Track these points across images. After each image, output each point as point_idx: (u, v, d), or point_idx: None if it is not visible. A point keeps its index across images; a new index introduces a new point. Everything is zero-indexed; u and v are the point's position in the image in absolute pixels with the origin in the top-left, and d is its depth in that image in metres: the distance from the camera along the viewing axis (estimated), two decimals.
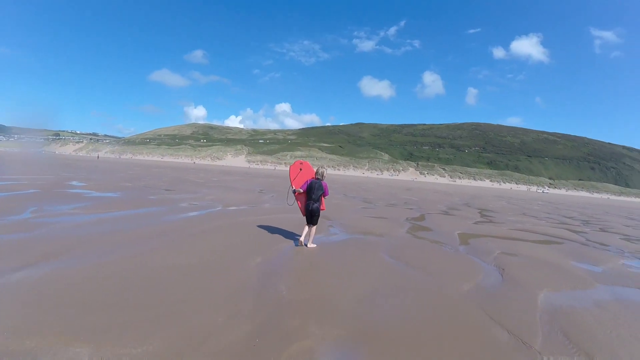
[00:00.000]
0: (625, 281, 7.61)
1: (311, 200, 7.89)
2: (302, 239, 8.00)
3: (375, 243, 9.15)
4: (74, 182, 19.53)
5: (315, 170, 8.29)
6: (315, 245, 8.12)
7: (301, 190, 8.15)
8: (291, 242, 8.39)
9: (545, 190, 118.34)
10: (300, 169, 8.61)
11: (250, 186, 26.94)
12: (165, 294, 4.69)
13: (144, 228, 8.71)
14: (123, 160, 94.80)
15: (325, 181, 8.08)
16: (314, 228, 8.10)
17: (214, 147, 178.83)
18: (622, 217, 29.15)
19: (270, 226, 10.27)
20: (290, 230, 9.87)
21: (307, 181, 8.12)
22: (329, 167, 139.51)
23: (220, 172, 52.49)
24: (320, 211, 8.09)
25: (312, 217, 7.94)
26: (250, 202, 15.87)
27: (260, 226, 10.16)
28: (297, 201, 8.57)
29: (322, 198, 8.07)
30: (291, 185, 8.54)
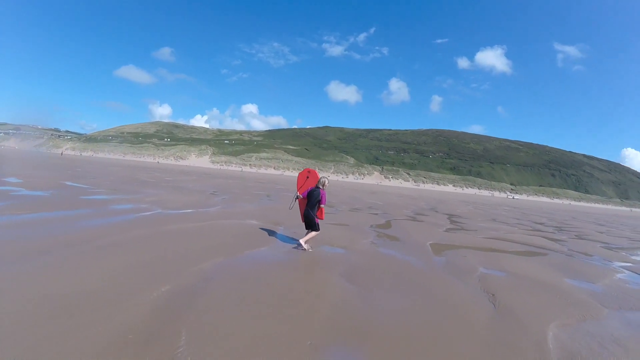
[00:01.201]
0: (631, 302, 6.59)
1: (307, 207, 8.02)
2: (301, 241, 7.92)
3: (331, 260, 7.32)
4: (10, 179, 17.42)
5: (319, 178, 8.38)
6: (308, 247, 7.95)
7: (302, 197, 8.35)
8: (220, 259, 6.43)
9: (516, 197, 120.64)
10: (307, 177, 8.89)
11: (204, 187, 24.73)
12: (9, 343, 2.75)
13: (50, 237, 6.99)
14: (82, 158, 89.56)
15: (324, 190, 8.11)
16: (313, 232, 8.05)
17: (177, 146, 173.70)
18: (590, 223, 28.95)
19: (203, 236, 8.26)
20: (227, 241, 7.93)
21: (308, 189, 8.31)
22: (294, 169, 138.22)
23: (179, 172, 49.59)
24: (318, 219, 8.08)
25: (307, 223, 8.05)
26: (195, 205, 13.83)
27: (190, 236, 8.15)
28: (299, 207, 8.72)
29: (321, 207, 8.06)
30: (297, 191, 8.78)
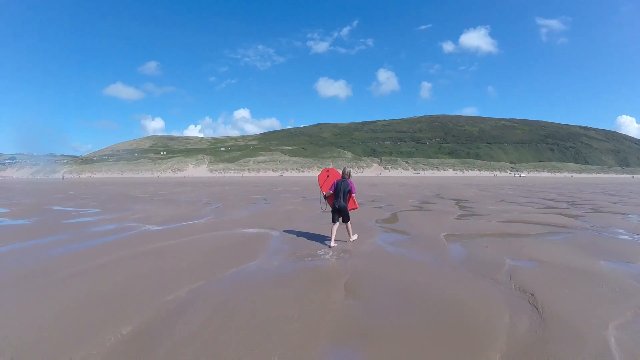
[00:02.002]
0: None
1: (338, 198, 7.90)
2: (332, 243, 7.84)
3: (332, 269, 6.21)
4: None
5: (341, 171, 8.33)
6: (356, 236, 8.45)
7: (331, 192, 8.13)
8: (198, 284, 5.33)
9: (523, 174, 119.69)
10: (328, 176, 8.91)
11: (197, 197, 23.65)
12: None
13: (8, 270, 6.26)
14: (80, 180, 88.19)
15: (351, 180, 8.15)
16: (348, 224, 8.10)
17: (174, 158, 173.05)
18: (599, 194, 27.94)
19: (183, 255, 7.15)
20: (210, 259, 6.85)
21: (333, 183, 8.14)
22: (292, 169, 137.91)
23: (175, 184, 48.48)
24: (350, 210, 8.12)
25: (340, 214, 7.93)
26: (183, 219, 12.77)
27: (169, 256, 7.07)
28: (329, 204, 8.46)
29: (352, 197, 8.19)
30: (321, 191, 8.73)
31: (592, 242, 8.69)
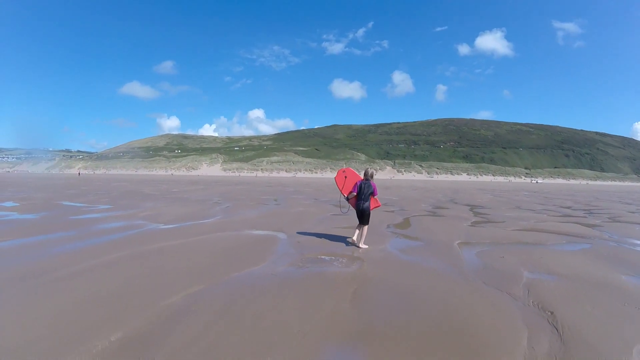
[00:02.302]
0: None
1: (361, 200, 7.96)
2: (354, 238, 8.07)
3: (339, 278, 5.86)
4: (7, 203, 17.14)
5: (364, 172, 8.34)
6: (367, 247, 8.01)
7: (354, 194, 8.13)
8: (198, 288, 5.10)
9: (539, 181, 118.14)
10: (345, 177, 8.75)
11: (208, 196, 23.57)
12: None
13: (7, 269, 5.98)
14: (95, 176, 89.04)
15: (374, 181, 8.22)
16: (365, 228, 8.05)
17: (188, 157, 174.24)
18: (616, 202, 27.29)
19: (186, 256, 6.95)
20: (213, 261, 6.62)
21: (356, 184, 8.14)
22: (306, 170, 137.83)
23: (188, 183, 48.68)
24: (372, 208, 8.14)
25: (362, 216, 7.97)
26: (191, 217, 12.62)
27: (171, 257, 6.88)
28: (352, 206, 8.39)
29: (373, 198, 8.16)
30: (341, 193, 8.72)
31: (612, 254, 8.30)
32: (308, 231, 10.10)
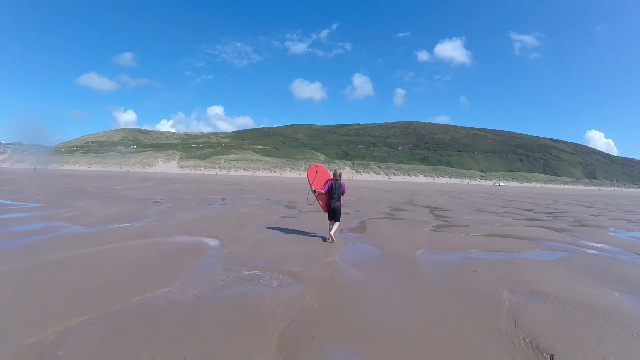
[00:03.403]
0: None
1: (332, 199, 8.46)
2: (330, 236, 8.38)
3: (269, 306, 4.32)
4: None
5: (332, 172, 8.86)
6: (334, 239, 8.42)
7: (322, 192, 8.65)
8: (86, 317, 3.52)
9: (502, 184, 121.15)
10: (317, 172, 9.19)
11: (151, 195, 21.48)
12: None
13: None
14: (46, 172, 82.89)
15: (342, 181, 8.78)
16: (337, 224, 8.60)
17: (144, 153, 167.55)
18: (575, 205, 27.83)
19: (90, 270, 5.42)
20: (120, 278, 5.04)
21: (326, 182, 8.70)
22: (264, 169, 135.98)
23: (137, 180, 45.58)
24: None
25: (335, 214, 8.48)
26: (120, 219, 10.85)
27: (73, 271, 5.39)
28: (318, 201, 9.00)
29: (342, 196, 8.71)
30: (310, 187, 9.02)
31: (594, 265, 7.40)
32: (247, 238, 8.56)
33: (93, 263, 5.91)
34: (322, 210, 9.46)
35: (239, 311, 4.12)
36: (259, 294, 4.69)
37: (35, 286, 4.71)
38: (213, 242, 7.88)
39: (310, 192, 9.01)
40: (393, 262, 6.81)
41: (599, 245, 9.93)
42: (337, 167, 8.89)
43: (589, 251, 8.92)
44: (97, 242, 7.51)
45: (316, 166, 9.39)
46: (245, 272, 5.62)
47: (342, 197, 8.68)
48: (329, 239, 8.42)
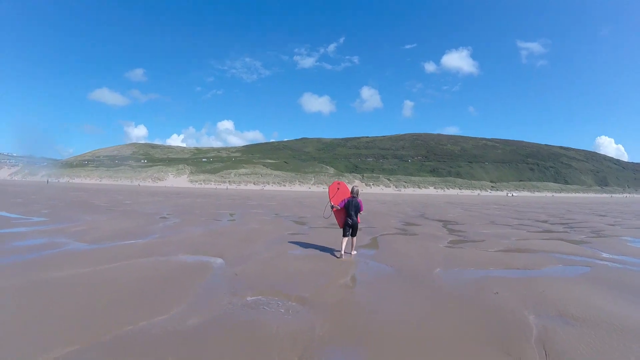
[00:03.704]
0: None
1: (349, 216, 8.62)
2: (342, 252, 8.55)
3: (270, 341, 3.94)
4: None
5: (350, 189, 9.14)
6: (355, 252, 8.97)
7: (339, 207, 8.84)
8: (70, 349, 3.31)
9: (515, 194, 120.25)
10: (338, 188, 9.41)
11: (159, 209, 21.25)
12: None
13: None
14: (58, 185, 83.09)
15: (360, 198, 8.94)
16: (354, 239, 8.96)
17: (154, 167, 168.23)
18: (589, 214, 27.14)
19: (83, 293, 5.17)
20: (115, 302, 4.71)
21: (344, 200, 8.87)
22: (274, 183, 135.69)
23: (147, 194, 45.56)
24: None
25: (353, 230, 8.75)
26: (125, 236, 10.61)
27: (64, 294, 5.14)
28: (335, 216, 9.17)
29: (361, 213, 8.90)
30: (330, 201, 9.17)
31: (618, 280, 7.04)
32: (254, 256, 8.24)
33: (90, 285, 5.66)
34: (332, 226, 9.82)
35: (242, 344, 3.78)
36: (264, 324, 4.32)
37: (25, 310, 4.49)
38: (218, 262, 7.56)
39: (328, 205, 9.25)
40: (409, 284, 6.42)
41: (620, 257, 9.56)
42: (354, 185, 9.82)
43: (611, 264, 8.52)
44: (98, 261, 7.28)
45: (338, 183, 9.68)
46: (250, 298, 5.27)
47: (360, 214, 8.84)
48: (339, 254, 8.55)
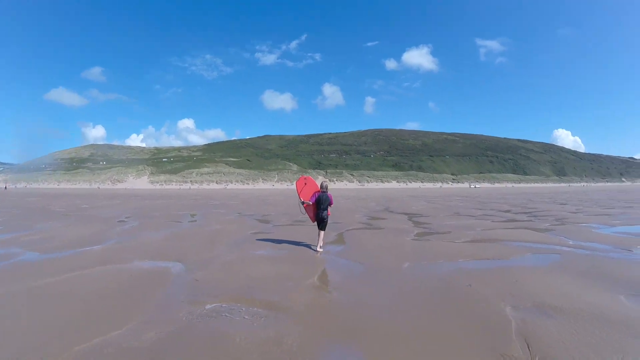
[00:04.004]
0: None
1: (320, 209, 8.82)
2: (318, 248, 8.80)
3: (238, 352, 3.59)
4: None
5: (319, 184, 9.20)
6: (322, 250, 8.84)
7: (310, 203, 8.93)
8: None
9: (477, 186, 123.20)
10: (305, 184, 9.38)
11: (117, 213, 20.24)
12: None
13: None
14: (15, 191, 78.16)
15: (330, 193, 9.07)
16: (322, 232, 8.92)
17: (114, 169, 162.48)
18: (551, 204, 28.06)
19: (26, 314, 4.54)
20: (63, 320, 4.18)
21: (314, 194, 9.00)
22: (237, 182, 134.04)
23: (106, 197, 43.60)
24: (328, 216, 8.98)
25: (322, 223, 8.85)
26: (80, 243, 9.87)
27: (9, 313, 4.56)
28: (307, 212, 9.23)
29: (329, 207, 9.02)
30: (299, 198, 9.13)
31: (590, 266, 7.10)
32: (216, 259, 7.77)
33: (42, 300, 5.13)
34: (297, 222, 9.83)
35: (208, 354, 3.39)
36: (226, 335, 3.91)
37: None
38: (177, 267, 7.05)
39: (300, 202, 9.15)
40: (379, 280, 6.17)
41: (587, 244, 9.73)
42: (324, 180, 9.87)
43: (580, 251, 8.65)
44: (53, 272, 6.66)
45: (305, 178, 9.65)
46: (211, 305, 4.83)
47: (330, 207, 8.97)
48: (315, 249, 8.84)
